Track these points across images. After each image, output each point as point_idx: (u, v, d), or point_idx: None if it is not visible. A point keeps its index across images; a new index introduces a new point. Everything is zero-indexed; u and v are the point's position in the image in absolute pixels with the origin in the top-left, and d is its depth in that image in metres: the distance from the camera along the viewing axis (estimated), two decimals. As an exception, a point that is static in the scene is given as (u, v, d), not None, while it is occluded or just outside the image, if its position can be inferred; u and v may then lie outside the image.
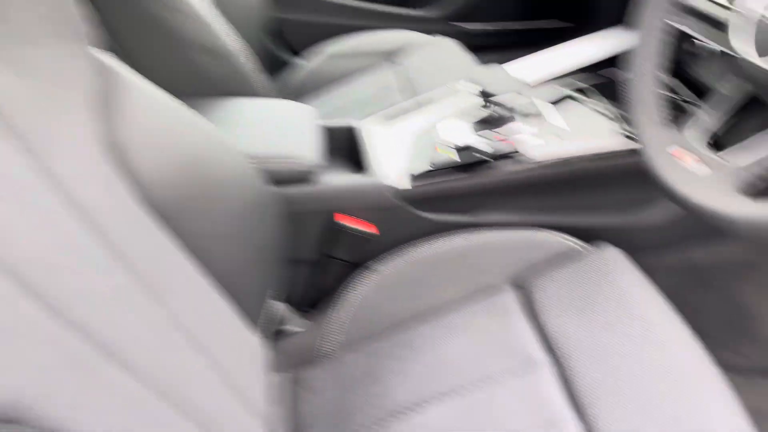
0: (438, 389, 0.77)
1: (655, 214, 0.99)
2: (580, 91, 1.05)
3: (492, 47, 1.65)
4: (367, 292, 0.90)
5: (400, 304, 0.89)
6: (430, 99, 1.08)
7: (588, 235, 0.94)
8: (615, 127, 0.97)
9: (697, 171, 0.60)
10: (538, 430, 0.71)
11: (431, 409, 0.75)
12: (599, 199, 0.99)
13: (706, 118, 0.63)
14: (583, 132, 0.97)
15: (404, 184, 0.94)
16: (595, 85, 1.06)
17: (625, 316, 0.79)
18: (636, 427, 0.69)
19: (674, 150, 0.63)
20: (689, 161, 0.61)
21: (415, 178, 0.95)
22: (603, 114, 1.01)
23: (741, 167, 0.56)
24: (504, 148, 0.94)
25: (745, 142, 0.58)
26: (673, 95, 0.78)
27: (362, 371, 0.83)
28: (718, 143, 0.62)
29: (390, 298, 0.90)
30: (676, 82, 0.82)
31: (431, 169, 0.95)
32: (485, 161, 0.94)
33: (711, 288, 1.08)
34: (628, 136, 0.93)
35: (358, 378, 0.82)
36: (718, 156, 0.59)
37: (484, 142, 0.95)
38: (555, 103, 1.03)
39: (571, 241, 0.92)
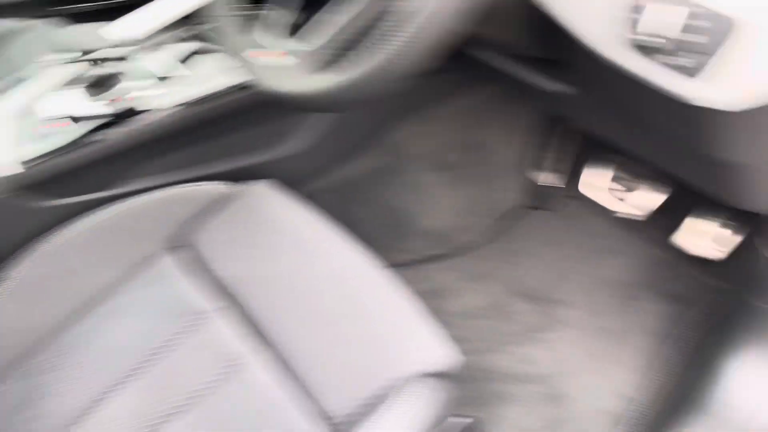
0: (111, 380, 0.68)
1: (299, 142, 1.01)
2: (192, 38, 1.00)
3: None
4: None
5: (48, 308, 0.75)
6: (20, 78, 0.93)
7: (245, 177, 0.90)
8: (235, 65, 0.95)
9: (286, 63, 0.60)
10: (224, 372, 0.67)
11: (109, 403, 0.66)
12: (243, 138, 0.96)
13: (277, 16, 0.64)
14: (207, 76, 0.93)
15: (8, 171, 0.79)
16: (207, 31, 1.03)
17: (286, 241, 0.78)
18: (317, 335, 0.69)
19: (252, 52, 0.63)
20: (276, 57, 0.61)
21: (25, 163, 0.80)
22: (223, 56, 0.98)
23: (316, 48, 0.58)
24: (124, 106, 0.85)
25: (312, 25, 0.60)
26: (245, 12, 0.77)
27: (17, 399, 0.68)
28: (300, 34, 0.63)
29: (32, 304, 0.75)
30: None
31: (46, 150, 0.81)
32: (107, 124, 0.83)
33: (367, 198, 1.15)
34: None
35: (13, 408, 0.67)
36: (295, 44, 0.61)
37: (99, 106, 0.84)
38: (180, 58, 0.97)
39: (222, 185, 0.88)
